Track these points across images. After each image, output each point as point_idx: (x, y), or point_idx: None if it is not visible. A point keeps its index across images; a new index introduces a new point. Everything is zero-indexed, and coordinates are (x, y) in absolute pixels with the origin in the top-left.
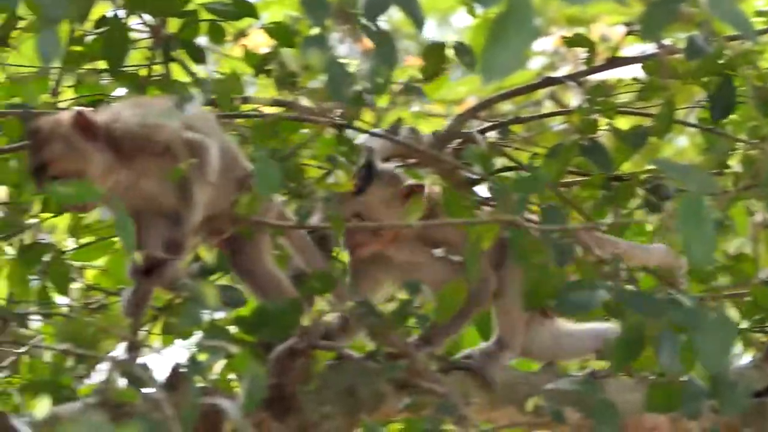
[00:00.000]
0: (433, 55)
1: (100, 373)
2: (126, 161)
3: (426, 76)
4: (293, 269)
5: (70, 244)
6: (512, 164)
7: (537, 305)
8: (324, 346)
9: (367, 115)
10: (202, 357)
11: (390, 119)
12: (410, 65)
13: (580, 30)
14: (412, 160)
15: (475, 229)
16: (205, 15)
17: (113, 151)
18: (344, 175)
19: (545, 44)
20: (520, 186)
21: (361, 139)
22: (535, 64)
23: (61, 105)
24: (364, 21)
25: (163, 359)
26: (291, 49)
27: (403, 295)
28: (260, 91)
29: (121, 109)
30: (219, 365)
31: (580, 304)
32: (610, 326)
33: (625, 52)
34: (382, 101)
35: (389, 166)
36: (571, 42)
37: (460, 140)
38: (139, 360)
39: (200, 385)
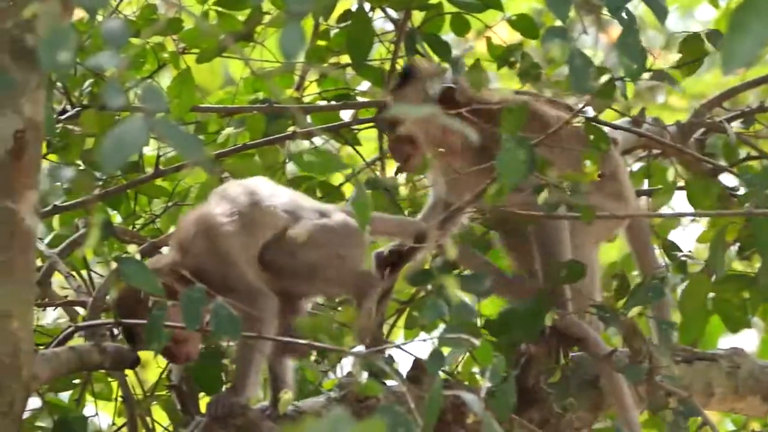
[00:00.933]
0: (691, 45)
1: (343, 368)
2: None
3: (681, 65)
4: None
5: None
6: (756, 154)
7: None
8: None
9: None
10: (446, 350)
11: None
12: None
13: None
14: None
15: (722, 221)
16: (449, 8)
17: None
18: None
19: None
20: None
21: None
22: None
23: (305, 99)
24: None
25: (406, 352)
26: (534, 41)
27: None
28: (504, 84)
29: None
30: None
31: None
32: None
33: None
34: (628, 93)
35: (438, 69)
36: None
37: (703, 130)
38: (383, 354)
39: (444, 378)
